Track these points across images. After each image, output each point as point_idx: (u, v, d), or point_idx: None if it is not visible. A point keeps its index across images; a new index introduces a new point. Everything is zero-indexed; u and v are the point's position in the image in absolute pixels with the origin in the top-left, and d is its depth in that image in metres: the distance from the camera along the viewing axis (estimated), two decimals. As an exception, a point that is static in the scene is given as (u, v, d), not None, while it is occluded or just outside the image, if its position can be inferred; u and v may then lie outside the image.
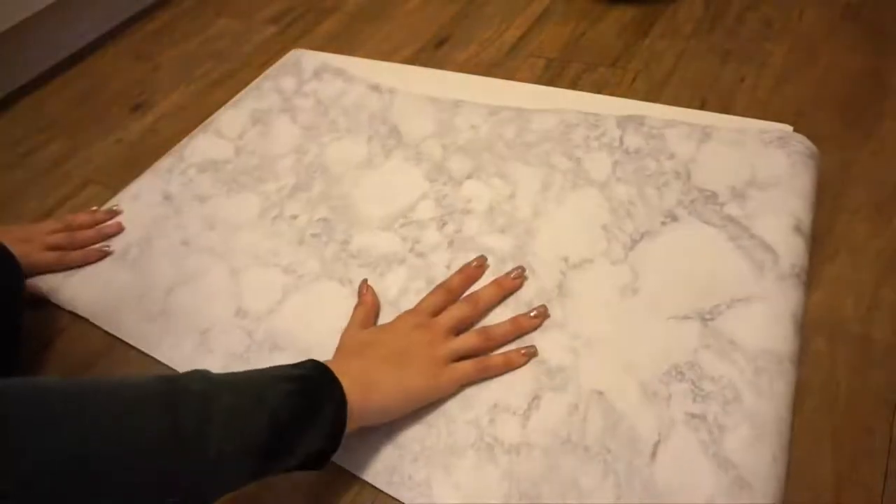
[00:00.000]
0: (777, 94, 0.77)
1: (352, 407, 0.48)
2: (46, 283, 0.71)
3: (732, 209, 0.62)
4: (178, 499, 0.40)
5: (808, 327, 0.56)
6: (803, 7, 0.88)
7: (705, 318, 0.55)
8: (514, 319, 0.59)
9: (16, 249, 0.65)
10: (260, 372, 0.47)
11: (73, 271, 0.71)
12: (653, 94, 0.80)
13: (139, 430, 0.39)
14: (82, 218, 0.76)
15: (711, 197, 0.64)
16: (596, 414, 0.52)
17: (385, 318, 0.62)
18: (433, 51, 0.95)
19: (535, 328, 0.58)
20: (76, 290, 0.70)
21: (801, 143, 0.67)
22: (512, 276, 0.62)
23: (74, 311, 0.69)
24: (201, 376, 0.44)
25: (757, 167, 0.65)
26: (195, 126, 0.91)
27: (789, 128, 0.70)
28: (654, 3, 0.94)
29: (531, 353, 0.56)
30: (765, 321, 0.54)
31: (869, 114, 0.72)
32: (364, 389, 0.50)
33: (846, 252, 0.60)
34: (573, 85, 0.83)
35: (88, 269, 0.71)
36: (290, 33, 1.06)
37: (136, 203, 0.78)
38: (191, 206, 0.76)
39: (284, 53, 0.98)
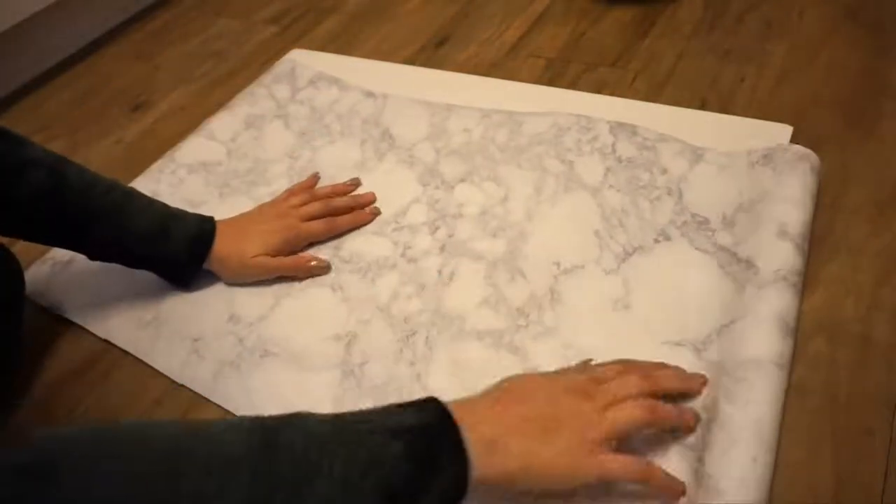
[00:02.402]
0: (777, 94, 0.77)
1: (475, 472, 0.41)
2: (32, 286, 0.69)
3: (723, 238, 0.62)
4: None
5: (808, 328, 0.56)
6: (803, 7, 0.88)
7: (698, 347, 0.55)
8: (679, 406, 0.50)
9: (278, 224, 0.66)
10: (374, 419, 0.42)
11: (58, 273, 0.70)
12: (653, 94, 0.80)
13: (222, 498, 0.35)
14: (326, 189, 0.74)
15: (703, 223, 0.64)
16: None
17: (375, 322, 0.61)
18: (433, 51, 0.95)
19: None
20: (64, 294, 0.69)
21: (789, 151, 0.66)
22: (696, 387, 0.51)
23: (62, 314, 0.68)
24: (304, 435, 0.39)
25: (744, 191, 0.65)
26: (195, 126, 0.91)
27: (789, 129, 0.70)
28: (654, 3, 0.94)
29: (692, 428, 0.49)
30: (743, 334, 0.53)
31: (869, 114, 0.72)
32: (489, 451, 0.42)
33: (846, 252, 0.60)
34: (573, 85, 0.83)
35: (77, 272, 0.70)
36: (290, 33, 1.06)
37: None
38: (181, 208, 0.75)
39: (284, 53, 0.98)
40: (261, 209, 0.71)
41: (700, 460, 0.47)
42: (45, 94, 1.05)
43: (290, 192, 0.73)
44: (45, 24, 1.06)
